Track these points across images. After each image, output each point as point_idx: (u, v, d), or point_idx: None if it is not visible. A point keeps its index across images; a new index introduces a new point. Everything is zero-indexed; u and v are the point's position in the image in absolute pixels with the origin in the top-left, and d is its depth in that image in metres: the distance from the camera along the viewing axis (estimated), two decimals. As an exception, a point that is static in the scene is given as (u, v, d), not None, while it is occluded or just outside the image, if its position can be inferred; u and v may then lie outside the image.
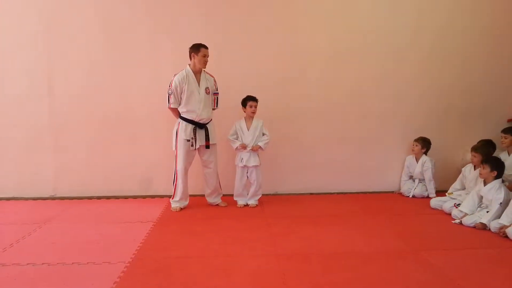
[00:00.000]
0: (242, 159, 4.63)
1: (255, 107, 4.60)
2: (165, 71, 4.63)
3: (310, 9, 5.04)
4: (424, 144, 5.10)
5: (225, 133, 4.68)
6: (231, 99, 4.68)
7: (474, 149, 4.47)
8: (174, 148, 4.46)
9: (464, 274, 2.96)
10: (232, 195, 4.77)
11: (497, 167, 3.98)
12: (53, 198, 5.00)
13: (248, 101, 4.60)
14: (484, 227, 3.86)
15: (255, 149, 4.61)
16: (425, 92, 5.24)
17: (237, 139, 4.64)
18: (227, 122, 4.69)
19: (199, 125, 4.42)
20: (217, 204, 4.71)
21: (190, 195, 4.66)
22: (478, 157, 4.37)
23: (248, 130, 4.63)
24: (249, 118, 4.66)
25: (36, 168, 5.00)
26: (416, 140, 5.13)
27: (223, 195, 4.78)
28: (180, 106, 4.39)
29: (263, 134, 4.67)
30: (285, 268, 3.03)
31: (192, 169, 4.59)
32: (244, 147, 4.59)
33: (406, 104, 5.26)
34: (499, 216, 3.80)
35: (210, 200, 4.71)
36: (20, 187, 4.99)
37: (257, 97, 4.62)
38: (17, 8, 4.81)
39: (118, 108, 4.97)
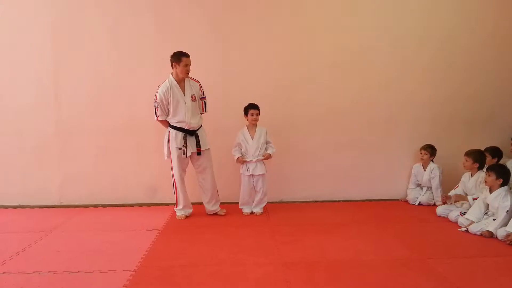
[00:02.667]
0: (248, 168, 4.62)
1: (257, 115, 4.59)
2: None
3: (314, 17, 5.07)
4: (432, 152, 5.08)
5: (229, 140, 4.69)
6: (234, 106, 4.68)
7: (467, 154, 4.54)
8: (166, 158, 4.43)
9: (471, 283, 2.94)
10: (237, 203, 4.77)
11: (503, 175, 3.96)
12: (59, 206, 5.03)
13: (250, 109, 4.58)
14: (490, 235, 3.83)
15: (267, 158, 4.61)
16: (430, 98, 5.24)
17: (241, 150, 4.64)
18: (231, 130, 4.71)
19: (189, 132, 4.38)
20: (215, 213, 4.63)
21: (195, 204, 4.65)
22: (469, 162, 4.49)
23: (252, 139, 4.62)
24: (252, 126, 4.65)
25: (42, 176, 5.04)
26: (424, 149, 5.08)
27: (229, 203, 4.78)
28: (169, 117, 4.36)
29: (267, 142, 4.66)
30: (290, 276, 3.02)
31: (192, 178, 4.60)
32: (241, 161, 4.59)
33: (411, 111, 5.25)
34: (505, 224, 3.77)
35: (209, 208, 4.61)
36: (26, 196, 5.03)
37: (261, 105, 4.63)
38: (25, 18, 4.88)
39: (124, 117, 5.01)
